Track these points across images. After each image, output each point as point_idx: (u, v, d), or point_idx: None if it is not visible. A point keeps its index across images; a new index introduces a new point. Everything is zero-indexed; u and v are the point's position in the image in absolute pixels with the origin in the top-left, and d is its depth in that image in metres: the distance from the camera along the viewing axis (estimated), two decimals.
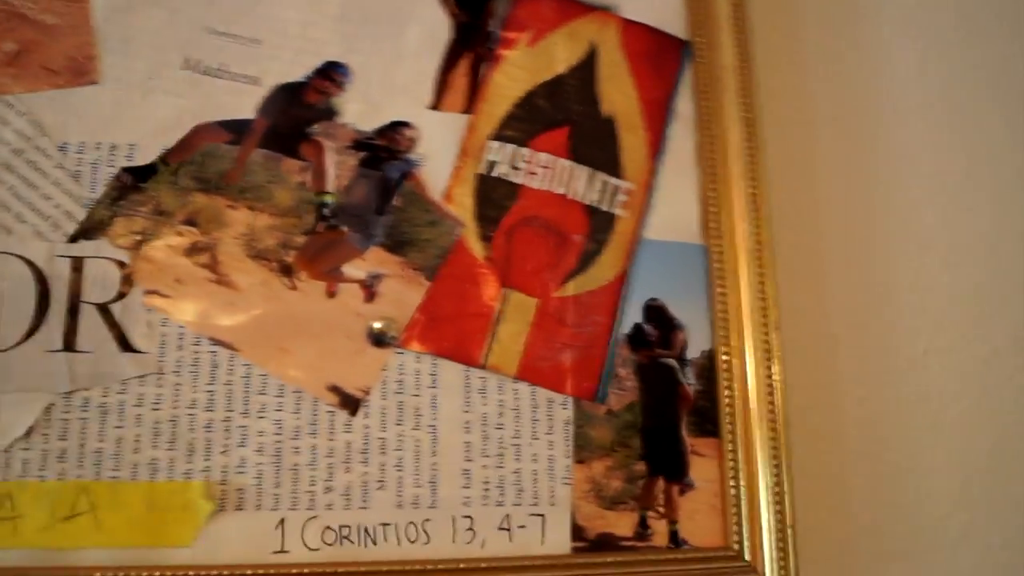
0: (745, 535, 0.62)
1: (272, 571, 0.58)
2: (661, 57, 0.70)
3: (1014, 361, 0.72)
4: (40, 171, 0.61)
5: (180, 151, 0.63)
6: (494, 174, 0.65)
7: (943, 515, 0.68)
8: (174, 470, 0.58)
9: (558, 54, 0.68)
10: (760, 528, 0.62)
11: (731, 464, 0.62)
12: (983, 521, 0.68)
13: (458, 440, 0.61)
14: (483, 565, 0.60)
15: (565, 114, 0.67)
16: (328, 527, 0.59)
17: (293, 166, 0.63)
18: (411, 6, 0.68)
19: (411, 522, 0.59)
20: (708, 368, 0.65)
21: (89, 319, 0.60)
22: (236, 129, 0.63)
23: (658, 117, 0.68)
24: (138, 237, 0.61)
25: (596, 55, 0.69)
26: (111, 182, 0.61)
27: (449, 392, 0.62)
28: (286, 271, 0.61)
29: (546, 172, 0.65)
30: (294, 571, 0.58)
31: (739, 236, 0.66)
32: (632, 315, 0.65)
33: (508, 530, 0.60)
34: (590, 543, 0.61)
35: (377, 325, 0.61)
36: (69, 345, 0.59)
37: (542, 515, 0.60)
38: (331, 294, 0.61)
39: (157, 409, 0.59)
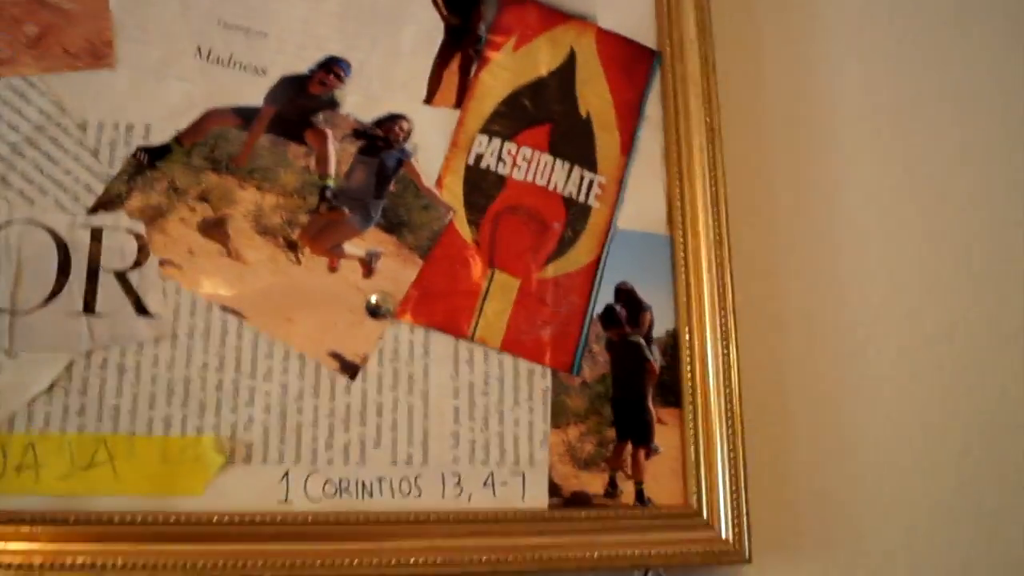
0: (704, 495, 0.69)
1: (278, 519, 0.62)
2: (633, 64, 0.77)
3: (944, 348, 0.80)
4: (61, 147, 0.66)
5: (193, 133, 0.68)
6: (482, 165, 0.72)
7: (877, 480, 0.77)
8: (187, 426, 0.64)
9: (541, 58, 0.76)
10: (717, 489, 0.69)
11: (691, 432, 0.70)
12: (914, 485, 0.77)
13: (448, 405, 0.67)
14: (470, 517, 0.65)
15: (546, 113, 0.74)
16: (328, 480, 0.65)
17: (298, 151, 0.70)
18: (407, 7, 0.75)
19: (404, 477, 0.65)
20: (672, 346, 0.72)
21: (108, 285, 0.65)
22: (245, 115, 0.69)
23: (629, 119, 0.76)
24: (153, 211, 0.66)
25: (575, 60, 0.76)
26: (128, 160, 0.67)
27: (440, 361, 0.68)
28: (291, 247, 0.68)
29: (528, 165, 0.73)
30: (298, 519, 0.62)
31: (701, 228, 0.74)
32: (604, 297, 0.72)
33: (492, 486, 0.67)
34: (565, 500, 0.68)
35: (374, 299, 0.68)
36: (89, 308, 0.64)
37: (523, 474, 0.67)
38: (333, 269, 0.68)
39: (171, 370, 0.64)
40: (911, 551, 0.75)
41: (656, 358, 0.71)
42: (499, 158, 0.72)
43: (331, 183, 0.68)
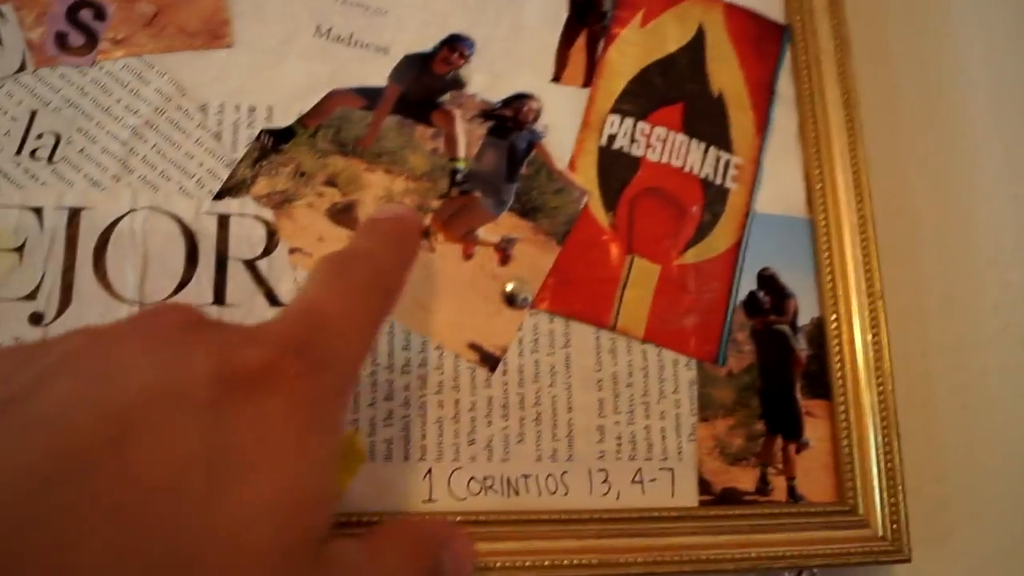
0: (858, 491, 0.65)
1: (427, 519, 0.59)
2: (762, 40, 0.74)
3: None
4: (183, 131, 0.63)
5: (316, 115, 0.65)
6: (615, 146, 0.69)
7: None
8: None
9: (669, 34, 0.72)
10: (871, 484, 0.65)
11: (843, 424, 0.66)
12: None
13: (591, 397, 0.64)
14: (621, 516, 0.61)
15: (678, 91, 0.71)
16: (473, 477, 0.61)
17: (425, 133, 0.67)
18: None
19: (550, 474, 0.62)
20: (818, 334, 0.68)
21: (237, 274, 0.62)
22: (369, 95, 0.66)
23: (762, 97, 0.73)
24: (280, 196, 0.63)
25: (704, 36, 0.73)
26: (252, 143, 0.64)
27: (582, 352, 0.65)
28: (424, 233, 0.64)
29: (663, 145, 0.69)
30: (448, 519, 0.59)
31: (843, 209, 0.70)
32: (746, 283, 0.68)
33: (640, 483, 0.63)
34: (716, 497, 0.64)
35: (511, 287, 0.64)
36: (219, 299, 0.61)
37: (671, 469, 0.64)
38: (468, 256, 0.64)
39: None
40: None
41: (802, 347, 0.67)
42: (632, 138, 0.68)
43: (462, 166, 0.65)
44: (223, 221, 0.62)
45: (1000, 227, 0.77)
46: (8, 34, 0.62)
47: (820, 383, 0.67)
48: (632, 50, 0.70)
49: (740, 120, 0.71)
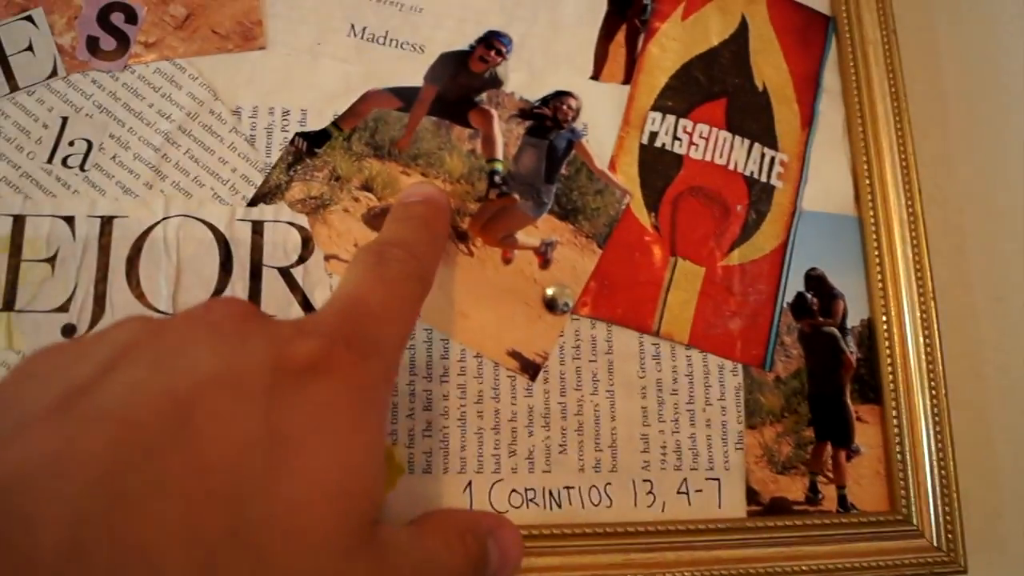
0: (912, 500, 0.61)
1: None
2: (807, 31, 0.70)
3: None
4: (216, 135, 0.61)
5: (351, 117, 0.62)
6: (656, 144, 0.65)
7: None
8: None
9: (711, 27, 0.68)
10: (925, 493, 0.62)
11: (895, 430, 0.63)
12: None
13: (635, 405, 0.61)
14: (667, 528, 0.58)
15: (721, 86, 0.67)
16: (514, 490, 0.58)
17: (462, 133, 0.63)
18: None
19: (593, 485, 0.59)
20: (868, 336, 0.65)
21: (272, 283, 0.59)
22: (405, 96, 0.63)
23: (807, 90, 0.69)
24: (315, 202, 0.60)
25: (747, 28, 0.69)
26: (286, 147, 0.60)
27: (624, 358, 0.62)
28: (462, 237, 0.61)
29: (706, 143, 0.66)
30: None
31: (892, 207, 0.66)
32: (793, 284, 0.65)
33: (686, 494, 0.60)
34: (764, 507, 0.61)
35: (551, 291, 0.61)
36: None
37: (718, 479, 0.60)
38: (507, 260, 0.61)
39: None
40: None
41: (852, 350, 0.63)
42: (675, 136, 0.65)
43: (500, 167, 0.61)
44: (257, 228, 0.59)
45: None
46: (39, 40, 0.59)
47: (871, 387, 0.64)
48: (673, 44, 0.66)
49: (785, 115, 0.67)
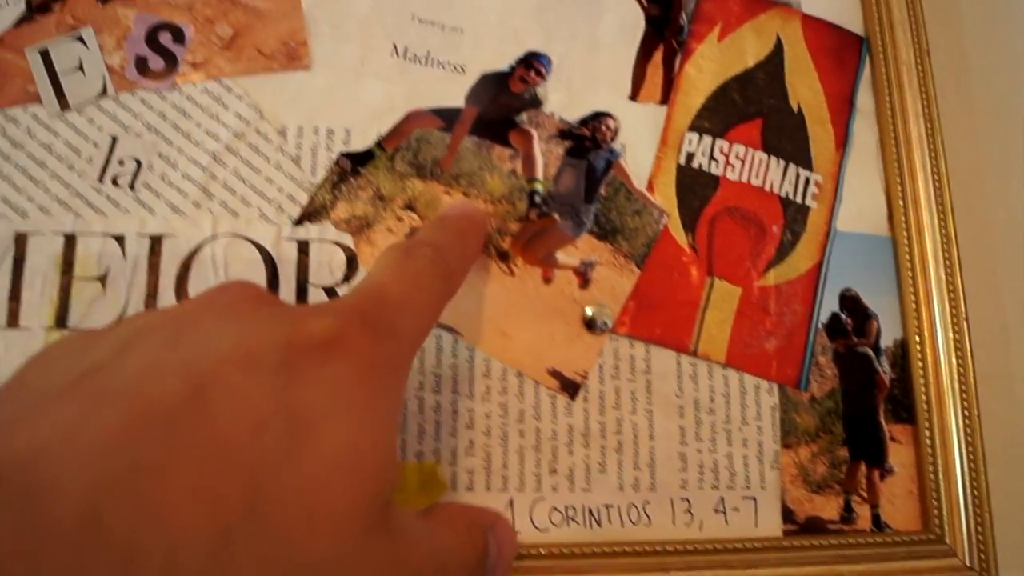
0: (945, 519, 0.61)
1: None
2: (841, 52, 0.69)
3: None
4: (262, 155, 0.60)
5: (395, 137, 0.62)
6: (693, 165, 0.65)
7: None
8: (406, 451, 0.58)
9: (747, 48, 0.68)
10: (958, 512, 0.61)
11: (928, 450, 0.62)
12: None
13: (673, 425, 0.60)
14: (705, 547, 0.58)
15: (757, 107, 0.67)
16: (555, 508, 0.58)
17: (503, 154, 0.63)
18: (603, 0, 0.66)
19: (632, 504, 0.59)
20: (901, 357, 0.64)
21: (317, 301, 0.58)
22: (447, 116, 0.63)
23: (842, 111, 0.68)
24: (360, 221, 0.60)
25: (782, 49, 0.68)
26: (331, 167, 0.60)
27: (662, 377, 0.61)
28: (503, 257, 0.61)
29: (742, 164, 0.65)
30: (531, 551, 0.56)
31: (926, 227, 0.66)
32: (827, 304, 0.64)
33: (723, 513, 0.60)
34: (800, 526, 0.60)
35: (591, 311, 0.61)
36: None
37: (754, 498, 0.60)
38: (547, 280, 0.61)
39: None
40: None
41: (886, 370, 0.63)
42: (711, 157, 0.64)
43: (540, 187, 0.61)
44: (303, 247, 0.59)
45: None
46: (89, 59, 0.59)
47: (904, 407, 0.63)
48: (710, 65, 0.66)
49: (820, 136, 0.66)
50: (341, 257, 0.59)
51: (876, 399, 0.64)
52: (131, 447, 0.26)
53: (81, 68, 0.58)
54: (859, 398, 0.63)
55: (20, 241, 0.56)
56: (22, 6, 0.58)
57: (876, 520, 0.62)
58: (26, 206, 0.56)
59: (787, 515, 0.60)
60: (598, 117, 0.64)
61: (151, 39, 0.60)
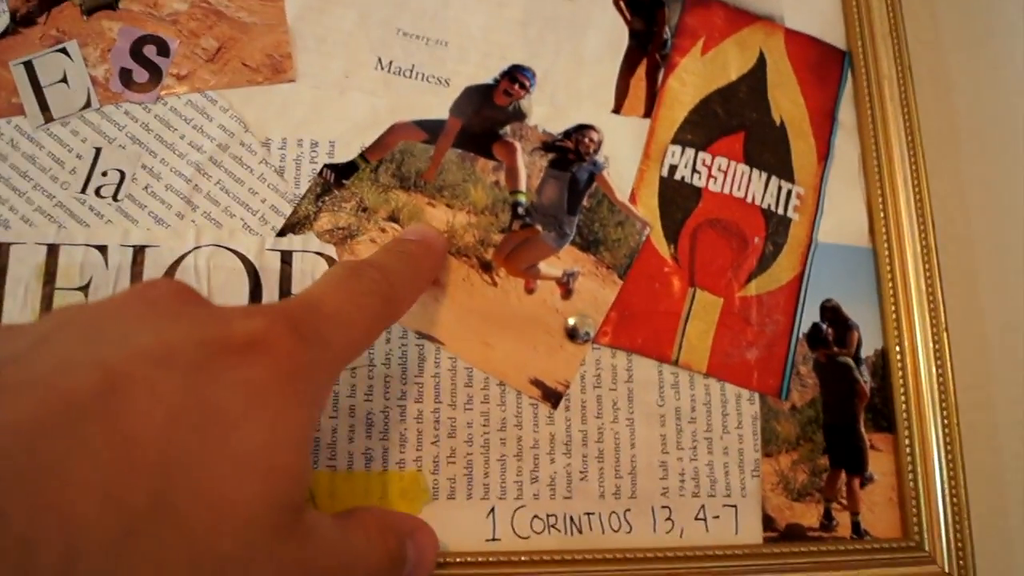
0: (924, 527, 0.60)
1: (489, 559, 0.56)
2: (824, 67, 0.69)
3: None
4: (246, 166, 0.60)
5: (379, 149, 0.61)
6: (676, 177, 0.64)
7: None
8: (388, 460, 0.57)
9: (730, 61, 0.67)
10: (937, 520, 0.61)
11: (908, 459, 0.62)
12: None
13: (654, 433, 0.60)
14: (685, 554, 0.57)
15: (739, 120, 0.66)
16: (536, 516, 0.58)
17: (487, 166, 0.62)
18: (589, 12, 0.67)
19: (613, 512, 0.58)
20: (881, 366, 0.63)
21: None
22: (431, 128, 0.62)
23: (824, 124, 0.68)
24: (343, 232, 0.59)
25: (765, 63, 0.68)
26: (315, 178, 0.60)
27: (644, 387, 0.61)
28: (486, 267, 0.60)
29: (724, 176, 0.65)
30: (512, 558, 0.56)
31: (907, 239, 0.65)
32: (809, 315, 0.64)
33: (704, 520, 0.59)
34: (780, 533, 0.60)
35: (573, 321, 0.60)
36: None
37: (735, 506, 0.60)
38: (529, 291, 0.60)
39: (369, 400, 0.57)
40: None
41: (866, 380, 0.62)
42: (694, 169, 0.64)
43: (523, 199, 0.61)
44: (286, 258, 0.58)
45: None
46: (73, 72, 0.58)
47: (884, 416, 0.63)
48: (693, 79, 0.66)
49: (802, 149, 0.66)
50: (324, 268, 0.58)
51: (856, 408, 0.63)
52: (37, 440, 0.26)
53: (65, 80, 0.58)
54: (839, 407, 0.63)
55: (2, 251, 0.55)
56: (6, 19, 0.57)
57: (856, 528, 0.61)
58: (8, 216, 0.55)
59: (767, 522, 0.60)
60: (581, 130, 0.64)
61: (135, 52, 0.60)
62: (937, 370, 0.63)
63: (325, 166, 0.60)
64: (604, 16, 0.67)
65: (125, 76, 0.60)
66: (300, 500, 0.36)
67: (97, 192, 0.57)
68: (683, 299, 0.62)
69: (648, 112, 0.66)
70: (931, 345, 0.64)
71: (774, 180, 0.65)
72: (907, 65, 0.69)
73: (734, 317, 0.62)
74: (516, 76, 0.64)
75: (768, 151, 0.66)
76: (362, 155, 0.61)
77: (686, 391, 0.61)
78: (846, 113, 0.69)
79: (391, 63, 0.63)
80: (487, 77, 0.64)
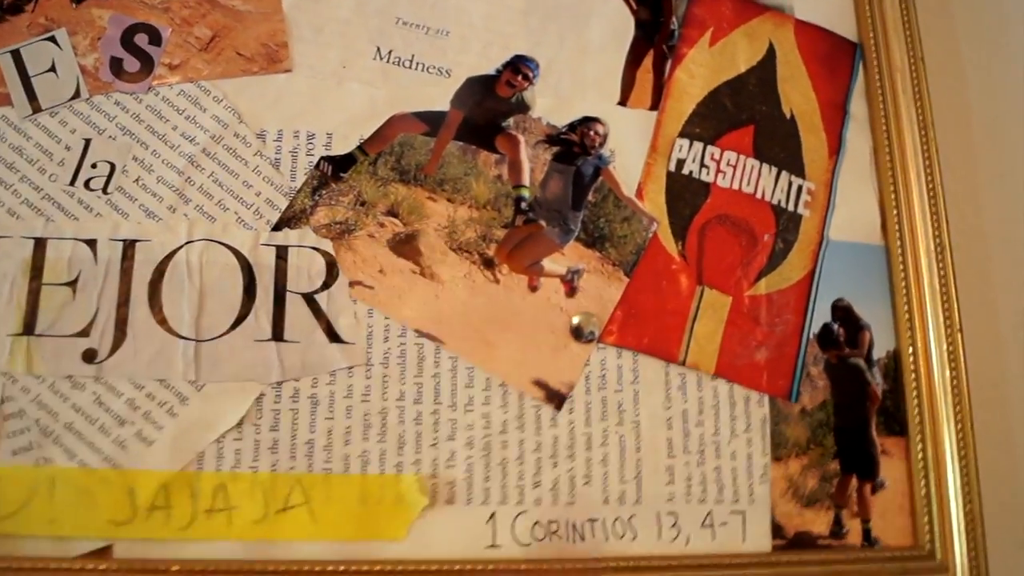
0: (936, 534, 0.57)
1: (491, 566, 0.53)
2: (834, 58, 0.65)
3: None
4: (240, 158, 0.57)
5: (377, 141, 0.58)
6: (684, 172, 0.60)
7: None
8: (385, 463, 0.54)
9: (739, 53, 0.64)
10: (950, 527, 0.57)
11: (920, 464, 0.58)
12: None
13: (660, 436, 0.57)
14: (691, 562, 0.54)
15: (749, 113, 0.63)
16: (538, 522, 0.55)
17: (489, 159, 0.59)
18: (592, 1, 0.63)
19: (617, 518, 0.55)
20: (893, 368, 0.60)
21: (295, 309, 0.55)
22: (431, 120, 0.59)
23: (835, 118, 0.64)
24: (341, 227, 0.55)
25: (775, 55, 0.64)
26: (312, 171, 0.56)
27: (650, 388, 0.57)
28: (488, 264, 0.57)
29: (733, 171, 0.61)
30: (512, 566, 0.53)
31: (920, 236, 0.61)
32: (819, 315, 0.60)
33: (711, 527, 0.56)
34: (789, 541, 0.57)
35: (578, 320, 0.56)
36: (277, 334, 0.54)
37: (743, 512, 0.56)
38: (533, 288, 0.57)
39: (366, 401, 0.54)
40: None
41: (878, 382, 0.58)
42: (702, 163, 0.60)
43: (526, 193, 0.57)
44: (282, 253, 0.55)
45: None
46: (62, 61, 0.55)
47: (896, 420, 0.59)
48: (701, 71, 0.62)
49: (812, 143, 0.62)
50: (321, 263, 0.55)
51: (868, 411, 0.60)
52: None
53: (54, 69, 0.55)
54: (851, 410, 0.59)
55: None
56: None
57: (867, 535, 0.58)
58: None
59: (776, 530, 0.57)
60: (587, 122, 0.60)
61: (126, 40, 0.56)
62: (951, 371, 0.60)
63: (322, 158, 0.57)
64: (608, 5, 0.64)
65: (115, 65, 0.56)
66: None
67: (86, 184, 0.54)
68: (691, 298, 0.58)
69: (655, 104, 0.62)
70: (945, 345, 0.60)
71: (784, 175, 0.62)
72: (920, 56, 0.65)
73: (743, 316, 0.59)
74: (519, 67, 0.60)
75: (778, 145, 0.62)
76: (360, 147, 0.57)
77: (693, 393, 0.57)
78: (857, 106, 0.66)
79: (390, 53, 0.59)
80: (489, 68, 0.60)
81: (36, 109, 0.54)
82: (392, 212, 0.57)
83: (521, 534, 0.54)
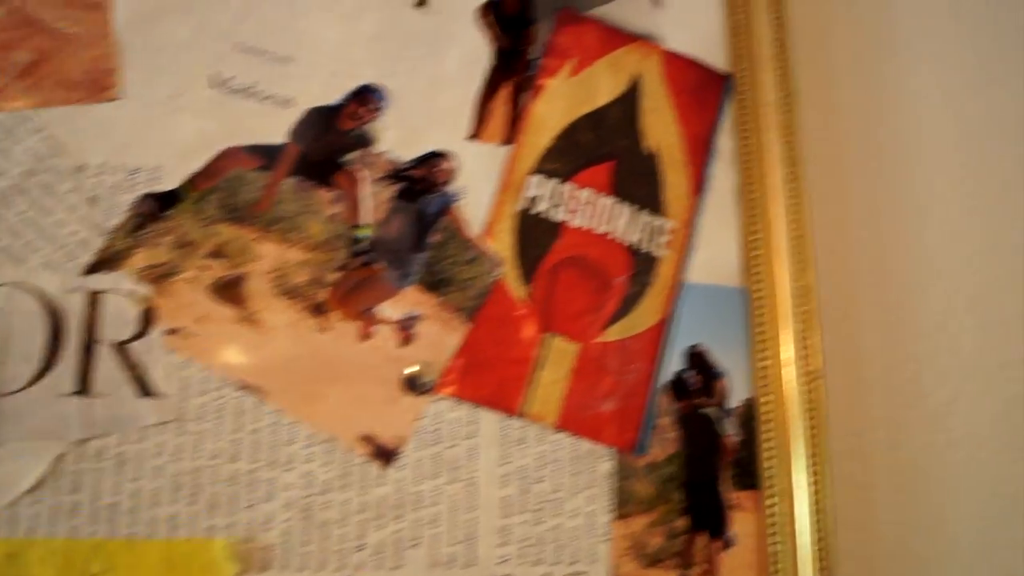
0: None
1: None
2: (703, 91, 0.59)
3: None
4: (54, 195, 0.50)
5: (206, 176, 0.51)
6: (535, 211, 0.54)
7: (971, 555, 0.58)
8: (195, 526, 0.48)
9: (600, 85, 0.57)
10: None
11: (771, 519, 0.52)
12: (1015, 559, 0.58)
13: (496, 494, 0.51)
14: None
15: (608, 148, 0.56)
16: None
17: (326, 196, 0.52)
18: (451, 29, 0.57)
19: None
20: (748, 417, 0.53)
21: (105, 359, 0.49)
22: (266, 154, 0.52)
23: (700, 153, 0.58)
24: (161, 270, 0.49)
25: (638, 87, 0.57)
26: (132, 209, 0.49)
27: (487, 443, 0.52)
28: (318, 310, 0.50)
29: (588, 209, 0.54)
30: None
31: (780, 280, 0.55)
32: (674, 362, 0.53)
33: None
34: None
35: (412, 370, 0.50)
36: (83, 388, 0.48)
37: (583, 574, 0.50)
38: (366, 336, 0.50)
39: (178, 460, 0.48)
40: None
41: (732, 432, 0.52)
42: (555, 202, 0.53)
43: (364, 234, 0.50)
44: (92, 298, 0.47)
45: (952, 289, 0.62)
46: None
47: (749, 472, 0.52)
48: (560, 103, 0.55)
49: (675, 180, 0.56)
50: (135, 310, 0.48)
51: (719, 464, 0.54)
52: None
53: None
54: (702, 463, 0.54)
55: None
56: None
57: None
58: None
59: None
60: (433, 157, 0.53)
61: None
62: (811, 421, 0.54)
63: (144, 195, 0.49)
64: (466, 32, 0.57)
65: None
66: None
67: None
68: (535, 345, 0.52)
69: (509, 138, 0.55)
70: (806, 394, 0.54)
71: (643, 214, 0.55)
72: (792, 90, 0.58)
73: (591, 364, 0.52)
74: (365, 97, 0.54)
75: (638, 182, 0.56)
76: (187, 183, 0.50)
77: (534, 447, 0.51)
78: (725, 141, 0.59)
79: (228, 80, 0.53)
80: (335, 97, 0.53)
81: None
82: (218, 253, 0.50)
83: None
